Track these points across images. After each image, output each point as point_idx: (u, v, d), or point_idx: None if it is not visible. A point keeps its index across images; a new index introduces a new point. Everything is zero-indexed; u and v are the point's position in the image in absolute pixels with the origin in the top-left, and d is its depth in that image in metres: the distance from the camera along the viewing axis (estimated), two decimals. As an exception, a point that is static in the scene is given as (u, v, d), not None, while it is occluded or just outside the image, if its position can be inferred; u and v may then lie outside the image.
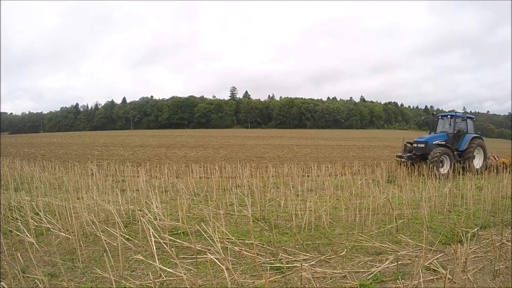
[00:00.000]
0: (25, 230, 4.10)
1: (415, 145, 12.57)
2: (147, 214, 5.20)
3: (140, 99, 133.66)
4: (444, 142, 12.32)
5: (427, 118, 14.49)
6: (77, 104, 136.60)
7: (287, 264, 3.71)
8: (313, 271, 3.63)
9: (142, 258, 3.74)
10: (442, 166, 11.86)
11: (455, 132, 12.60)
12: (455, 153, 12.26)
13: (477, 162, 12.92)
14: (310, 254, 4.15)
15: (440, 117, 13.82)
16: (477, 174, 11.80)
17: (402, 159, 12.44)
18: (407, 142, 13.34)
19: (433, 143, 12.14)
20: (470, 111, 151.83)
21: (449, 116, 13.25)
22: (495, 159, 14.04)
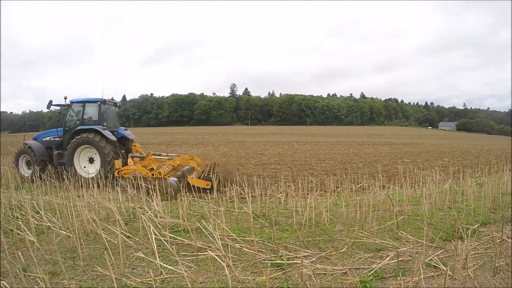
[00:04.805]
0: (26, 229, 4.10)
1: None
2: (147, 212, 5.21)
3: (139, 97, 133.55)
4: (59, 139, 9.75)
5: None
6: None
7: (288, 260, 3.71)
8: (314, 267, 3.63)
9: (142, 255, 3.75)
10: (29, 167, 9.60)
11: (65, 124, 9.66)
12: (56, 153, 9.43)
13: (92, 169, 9.05)
14: (311, 250, 4.16)
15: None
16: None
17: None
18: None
19: (44, 140, 9.80)
20: (471, 108, 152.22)
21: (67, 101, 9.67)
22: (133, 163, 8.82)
